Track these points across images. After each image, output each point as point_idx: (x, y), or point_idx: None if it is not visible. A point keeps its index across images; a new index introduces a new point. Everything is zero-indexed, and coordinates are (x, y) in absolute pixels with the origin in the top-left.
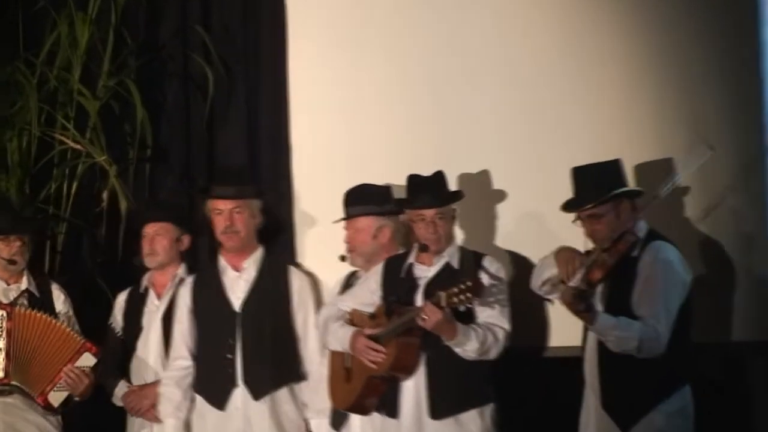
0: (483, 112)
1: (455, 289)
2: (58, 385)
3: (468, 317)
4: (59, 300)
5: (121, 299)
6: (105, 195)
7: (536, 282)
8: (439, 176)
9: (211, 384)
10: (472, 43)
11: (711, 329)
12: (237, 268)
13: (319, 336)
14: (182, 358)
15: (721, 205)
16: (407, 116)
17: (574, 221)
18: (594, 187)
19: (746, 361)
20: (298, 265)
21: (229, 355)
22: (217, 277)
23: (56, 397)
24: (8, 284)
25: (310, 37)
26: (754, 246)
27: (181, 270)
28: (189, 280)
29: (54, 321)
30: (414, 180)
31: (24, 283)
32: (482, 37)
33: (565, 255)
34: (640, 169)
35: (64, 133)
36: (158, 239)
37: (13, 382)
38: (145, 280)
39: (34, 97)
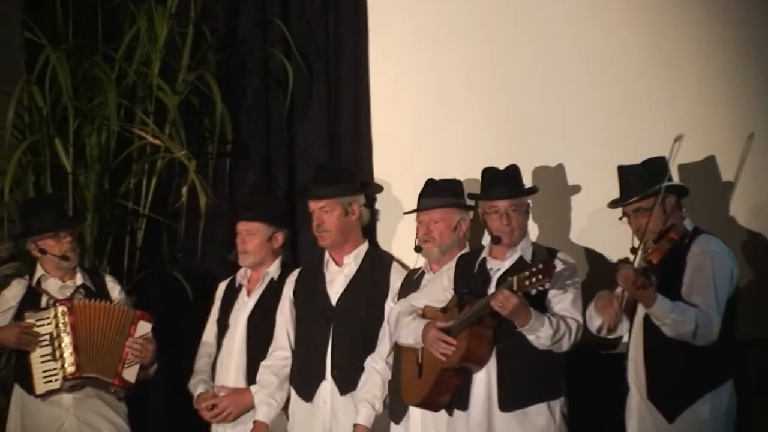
0: (561, 107)
1: (527, 273)
2: (127, 362)
3: (541, 308)
4: (114, 291)
5: (221, 289)
6: (184, 190)
7: (593, 330)
8: (513, 169)
9: (302, 375)
10: (550, 37)
11: (755, 326)
12: (339, 263)
13: (390, 332)
14: (282, 349)
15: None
16: (487, 109)
17: (621, 218)
18: (639, 182)
19: None
20: (400, 262)
21: (321, 348)
22: (320, 270)
23: (129, 373)
24: (64, 282)
25: (390, 30)
26: None
27: (273, 268)
28: (295, 272)
29: (110, 304)
30: (489, 172)
31: (78, 279)
32: (561, 30)
33: (602, 303)
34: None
35: (143, 129)
36: (249, 239)
37: (85, 375)
38: (239, 275)
39: (113, 92)
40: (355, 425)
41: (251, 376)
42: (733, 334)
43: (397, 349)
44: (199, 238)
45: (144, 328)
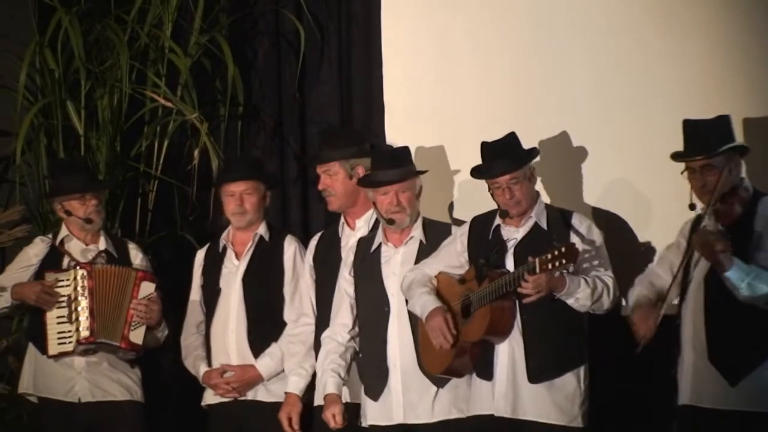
0: (574, 70)
1: (549, 255)
2: (132, 324)
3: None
4: (137, 258)
5: (200, 257)
6: (196, 153)
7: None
8: (510, 139)
9: (320, 334)
10: (566, 4)
11: None
12: (352, 227)
13: (404, 295)
14: (307, 316)
15: None
16: (497, 74)
17: (683, 172)
18: (708, 139)
19: None
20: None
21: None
22: (336, 235)
23: (136, 335)
24: (86, 245)
25: (410, 10)
26: None
27: (262, 228)
28: (316, 237)
29: (117, 267)
30: (486, 148)
31: (102, 244)
32: (588, 19)
33: (639, 315)
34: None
35: (155, 91)
36: (247, 197)
37: (99, 340)
38: (222, 239)
39: (125, 55)
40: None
41: (253, 336)
42: None
43: (414, 318)
44: (211, 201)
45: (147, 288)
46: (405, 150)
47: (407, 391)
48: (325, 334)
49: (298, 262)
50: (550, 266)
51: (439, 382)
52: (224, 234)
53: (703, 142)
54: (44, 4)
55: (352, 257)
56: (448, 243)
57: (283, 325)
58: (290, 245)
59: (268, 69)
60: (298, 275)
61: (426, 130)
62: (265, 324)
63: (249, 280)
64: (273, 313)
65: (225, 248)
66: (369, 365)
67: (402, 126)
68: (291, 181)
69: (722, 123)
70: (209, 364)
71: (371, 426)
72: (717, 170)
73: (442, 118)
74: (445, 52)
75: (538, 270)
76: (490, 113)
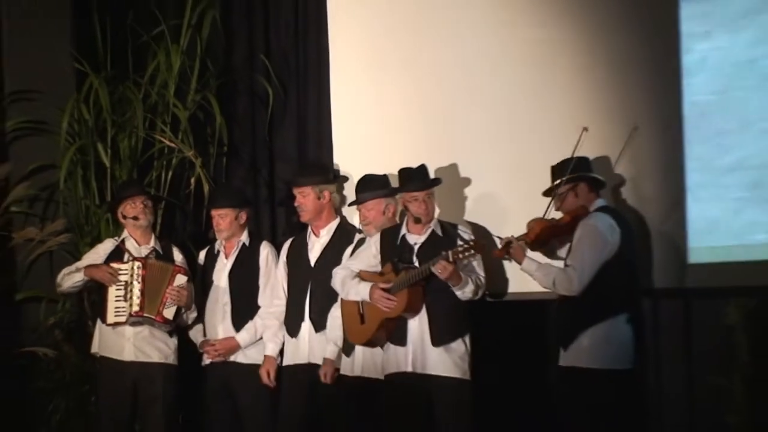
0: (468, 117)
1: (461, 248)
2: (167, 303)
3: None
4: (178, 257)
5: (202, 255)
6: (192, 181)
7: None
8: (423, 167)
9: (289, 317)
10: (469, 74)
11: (642, 278)
12: (317, 234)
13: (336, 289)
14: (279, 299)
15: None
16: (419, 125)
17: (551, 201)
18: (561, 174)
19: (662, 302)
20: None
21: (302, 297)
22: (305, 240)
23: (169, 312)
24: (139, 244)
25: (348, 60)
26: (670, 212)
27: (244, 236)
28: (289, 241)
29: (165, 263)
30: (405, 171)
31: (152, 243)
32: (474, 68)
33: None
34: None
35: (162, 135)
36: (221, 220)
37: (145, 315)
38: (217, 244)
39: (140, 108)
40: (324, 359)
41: (235, 314)
42: (619, 284)
43: (341, 302)
44: (203, 216)
45: (180, 279)
46: (378, 177)
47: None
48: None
49: (270, 261)
50: (461, 256)
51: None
52: (218, 241)
53: (556, 177)
54: (80, 70)
55: (376, 249)
56: (364, 248)
57: (257, 307)
58: (264, 249)
59: (245, 119)
60: (270, 270)
61: (364, 164)
62: (244, 306)
63: (233, 275)
64: (250, 298)
65: (219, 251)
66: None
67: (346, 161)
68: (262, 202)
69: (575, 162)
70: (204, 335)
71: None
72: (563, 195)
73: (374, 154)
74: (378, 105)
75: (451, 258)
76: (406, 151)
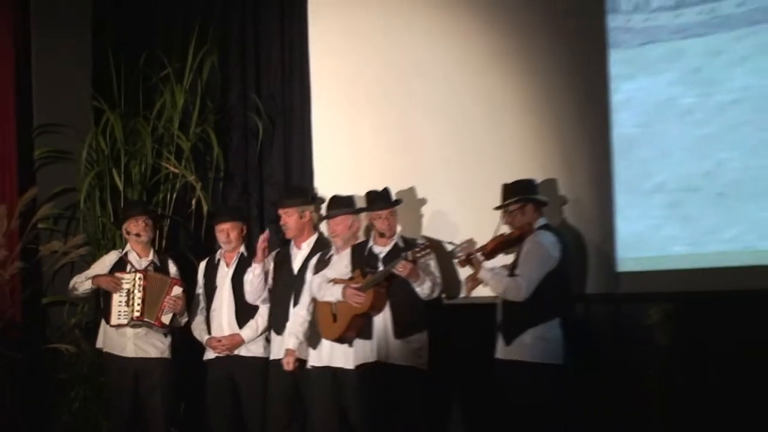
0: (425, 142)
1: (418, 249)
2: (164, 311)
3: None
4: (173, 269)
5: (202, 265)
6: (193, 201)
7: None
8: (386, 190)
9: (275, 316)
10: (427, 111)
11: (575, 283)
12: (299, 248)
13: (313, 294)
14: (301, 304)
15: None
16: (384, 154)
17: (501, 218)
18: (512, 194)
19: (594, 306)
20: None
21: (286, 300)
22: (289, 252)
23: (166, 318)
24: (140, 257)
25: (327, 100)
26: (602, 227)
27: (242, 248)
28: (274, 252)
29: (164, 276)
30: (372, 193)
31: (151, 257)
32: (432, 106)
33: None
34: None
35: (168, 162)
36: (232, 233)
37: (144, 319)
38: (218, 254)
39: (149, 140)
40: (286, 350)
41: (238, 315)
42: (557, 292)
43: (317, 304)
44: (203, 232)
45: (177, 290)
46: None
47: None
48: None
49: (268, 271)
50: (418, 255)
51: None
52: (219, 252)
53: (507, 197)
54: (98, 107)
55: (347, 261)
56: (337, 260)
57: (257, 308)
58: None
59: (239, 149)
60: (267, 277)
61: (339, 187)
62: (245, 307)
63: (235, 280)
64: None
65: (219, 260)
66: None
67: (325, 185)
68: (253, 220)
69: (524, 183)
70: (209, 333)
71: (312, 367)
72: (513, 213)
73: (347, 179)
74: (351, 138)
75: (411, 258)
76: (373, 176)
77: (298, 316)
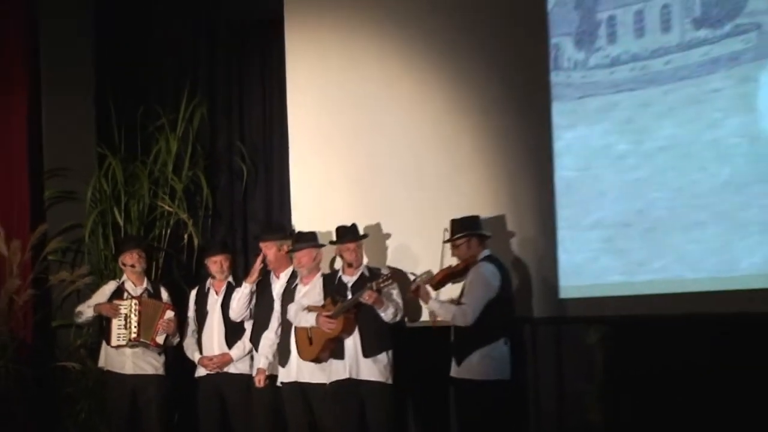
0: (391, 192)
1: (381, 280)
2: (159, 332)
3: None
4: (164, 294)
5: (193, 293)
6: (185, 236)
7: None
8: (354, 225)
9: (258, 338)
10: (392, 156)
11: (523, 308)
12: (278, 277)
13: (290, 320)
14: (270, 328)
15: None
16: (354, 194)
17: (452, 250)
18: (459, 229)
19: (539, 327)
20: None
21: (267, 323)
22: (269, 281)
23: (160, 339)
24: (135, 285)
25: (303, 147)
26: (546, 259)
27: (230, 278)
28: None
29: (157, 302)
30: (341, 228)
31: (145, 285)
32: (395, 153)
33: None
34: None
35: (163, 202)
36: (224, 265)
37: (141, 340)
38: (208, 283)
39: (146, 182)
40: (257, 368)
41: (228, 336)
42: (500, 316)
43: (294, 329)
44: (194, 263)
45: (169, 314)
46: (310, 233)
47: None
48: None
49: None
50: (382, 285)
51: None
52: (208, 281)
53: (455, 232)
54: (101, 153)
55: (320, 289)
56: (311, 289)
57: (244, 330)
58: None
59: (226, 189)
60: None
61: (313, 224)
62: (233, 330)
63: (224, 306)
64: (238, 323)
65: (209, 288)
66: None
67: (301, 221)
68: (238, 253)
69: (470, 220)
70: (201, 353)
71: (282, 383)
72: (459, 247)
73: (321, 216)
74: (324, 180)
75: (375, 288)
76: (343, 213)
77: (268, 339)
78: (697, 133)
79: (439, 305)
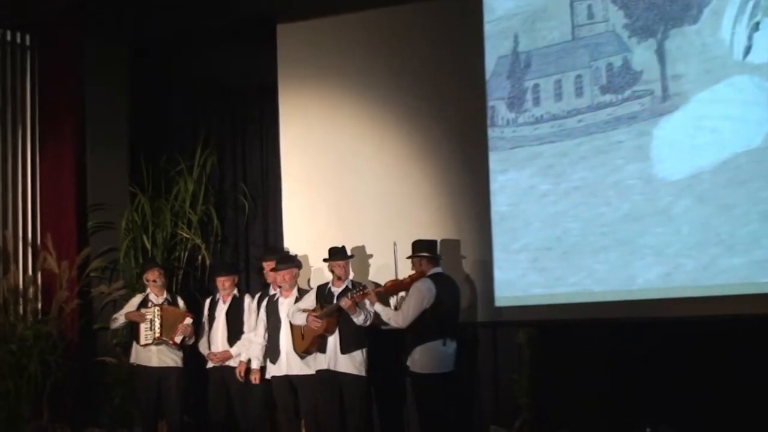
0: (370, 220)
1: (358, 291)
2: (177, 334)
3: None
4: (181, 304)
5: (207, 302)
6: (200, 258)
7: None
8: (343, 247)
9: (269, 348)
10: (369, 190)
11: (468, 314)
12: (285, 296)
13: (289, 319)
14: (257, 334)
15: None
16: (341, 223)
17: (408, 257)
18: (416, 249)
19: (480, 330)
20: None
21: (277, 336)
22: (276, 300)
23: (178, 339)
24: (157, 296)
25: (294, 185)
26: (485, 275)
27: (235, 291)
28: (266, 298)
29: (175, 308)
30: (333, 249)
31: (165, 296)
32: (374, 188)
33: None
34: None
35: (182, 231)
36: (228, 284)
37: (163, 339)
38: (217, 295)
39: (168, 214)
40: (251, 369)
41: (230, 337)
42: (435, 322)
43: (291, 326)
44: (206, 279)
45: (188, 320)
46: (290, 256)
47: (289, 359)
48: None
49: (252, 308)
50: (357, 295)
51: (302, 355)
52: (218, 293)
53: (415, 252)
54: (133, 191)
55: (313, 297)
56: (307, 296)
57: (242, 333)
58: (246, 299)
59: (232, 220)
60: (252, 313)
61: (303, 246)
62: (234, 332)
63: (228, 314)
64: (238, 327)
65: (218, 299)
66: (273, 348)
67: (293, 246)
68: (242, 270)
69: (427, 242)
70: (209, 349)
71: (273, 376)
72: (415, 264)
73: (311, 241)
74: (313, 212)
75: (350, 297)
76: (333, 237)
77: (257, 343)
78: (603, 176)
79: (382, 308)
